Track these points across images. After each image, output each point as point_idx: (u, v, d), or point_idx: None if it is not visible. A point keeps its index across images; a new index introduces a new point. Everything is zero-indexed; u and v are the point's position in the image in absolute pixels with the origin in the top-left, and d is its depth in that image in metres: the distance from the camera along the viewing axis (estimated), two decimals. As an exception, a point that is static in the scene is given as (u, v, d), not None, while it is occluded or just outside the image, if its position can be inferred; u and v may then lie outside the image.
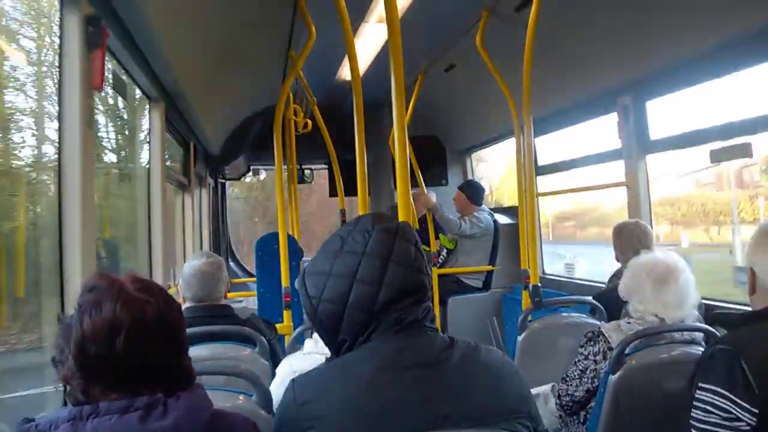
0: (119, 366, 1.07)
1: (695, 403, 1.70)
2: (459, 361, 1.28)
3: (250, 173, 7.54)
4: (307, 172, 7.31)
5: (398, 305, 1.29)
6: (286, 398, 1.29)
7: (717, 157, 3.35)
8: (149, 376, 1.09)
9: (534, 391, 2.72)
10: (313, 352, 1.84)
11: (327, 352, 1.41)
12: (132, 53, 2.73)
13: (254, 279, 4.88)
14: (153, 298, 1.12)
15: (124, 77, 2.96)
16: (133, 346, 1.07)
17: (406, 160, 2.21)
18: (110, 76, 2.71)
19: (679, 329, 2.24)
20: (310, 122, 5.15)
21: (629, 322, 2.32)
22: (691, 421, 1.70)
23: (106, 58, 2.22)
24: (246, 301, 5.43)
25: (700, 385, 1.70)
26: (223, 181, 7.39)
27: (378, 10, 4.00)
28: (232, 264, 7.31)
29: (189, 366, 1.18)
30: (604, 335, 2.32)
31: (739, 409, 1.60)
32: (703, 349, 1.95)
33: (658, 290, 2.25)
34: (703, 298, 2.35)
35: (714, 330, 2.20)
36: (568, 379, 2.41)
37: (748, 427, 1.60)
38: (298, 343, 2.43)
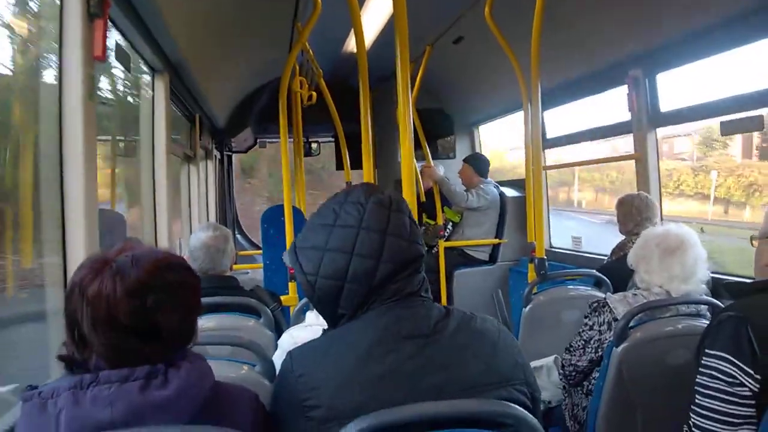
0: (82, 326, 1.09)
1: (701, 369, 1.72)
2: (454, 331, 1.28)
3: (257, 145, 7.52)
4: (314, 145, 7.29)
5: (396, 277, 1.29)
6: (284, 369, 1.29)
7: (728, 129, 3.30)
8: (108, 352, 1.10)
9: (537, 363, 2.74)
10: (315, 324, 1.85)
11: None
12: (135, 24, 2.70)
13: (261, 251, 4.89)
14: (113, 281, 1.09)
15: (127, 48, 2.93)
16: (92, 314, 1.08)
17: (411, 133, 2.19)
18: (113, 47, 2.69)
19: (685, 302, 2.23)
20: (315, 94, 5.12)
21: (635, 294, 2.32)
22: (695, 387, 1.72)
23: (109, 29, 2.20)
24: (252, 273, 5.45)
25: (707, 351, 1.71)
26: (230, 153, 7.38)
27: (385, -21, 3.96)
28: (238, 236, 7.34)
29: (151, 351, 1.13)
30: (609, 306, 2.32)
31: (743, 375, 1.61)
32: (708, 322, 1.95)
33: (664, 261, 2.25)
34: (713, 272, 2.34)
35: (719, 302, 2.19)
36: (572, 349, 2.42)
37: (750, 393, 1.61)
38: (302, 314, 2.45)
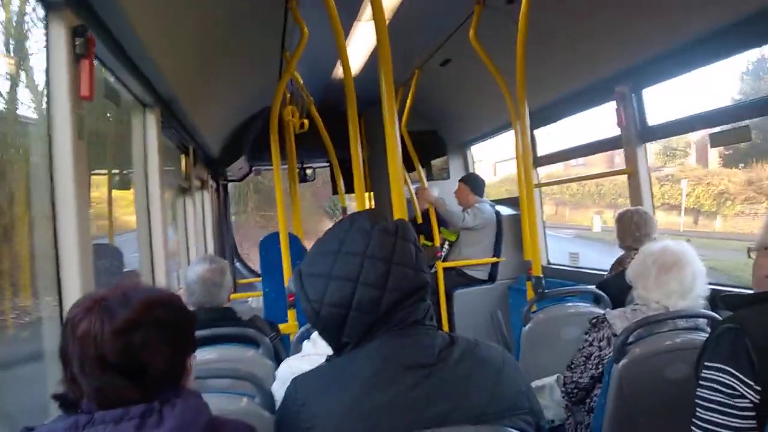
0: (72, 365, 1.10)
1: (701, 382, 1.72)
2: (458, 359, 1.27)
3: (252, 174, 7.53)
4: (309, 171, 7.31)
5: (401, 306, 1.28)
6: (287, 398, 1.29)
7: (717, 141, 3.33)
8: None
9: (539, 382, 2.73)
10: (311, 354, 1.84)
11: (326, 352, 1.40)
12: (122, 61, 2.72)
13: (260, 279, 4.88)
14: (101, 320, 1.10)
15: (116, 85, 2.94)
16: (78, 349, 1.09)
17: (399, 158, 2.21)
18: (102, 84, 2.70)
19: (683, 316, 2.23)
20: (306, 122, 5.15)
21: (634, 309, 2.32)
22: (696, 400, 1.72)
23: (98, 68, 2.21)
24: (251, 301, 5.44)
25: (706, 363, 1.71)
26: (225, 182, 7.39)
27: (370, 8, 4.01)
28: (237, 264, 7.32)
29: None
30: (608, 321, 2.32)
31: (743, 386, 1.61)
32: (706, 335, 1.95)
33: (661, 278, 2.25)
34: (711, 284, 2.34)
35: (717, 315, 2.19)
36: (573, 366, 2.42)
37: (750, 404, 1.61)
38: (300, 342, 2.44)
